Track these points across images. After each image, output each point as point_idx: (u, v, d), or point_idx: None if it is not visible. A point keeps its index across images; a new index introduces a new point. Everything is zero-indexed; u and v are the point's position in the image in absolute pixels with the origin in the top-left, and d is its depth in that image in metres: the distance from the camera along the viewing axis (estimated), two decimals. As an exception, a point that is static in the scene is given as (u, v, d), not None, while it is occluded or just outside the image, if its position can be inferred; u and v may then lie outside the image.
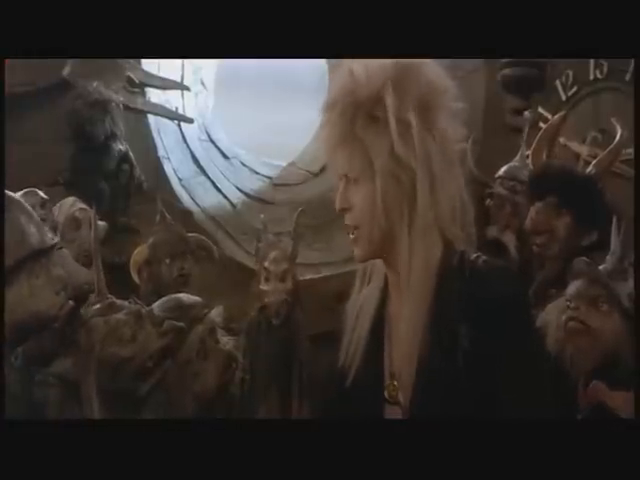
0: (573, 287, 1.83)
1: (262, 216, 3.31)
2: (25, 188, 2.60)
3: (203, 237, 3.17)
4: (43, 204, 2.68)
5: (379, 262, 1.29)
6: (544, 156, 2.89)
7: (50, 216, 2.67)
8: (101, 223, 2.92)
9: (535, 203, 2.34)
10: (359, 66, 1.21)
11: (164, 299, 2.05)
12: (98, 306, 1.89)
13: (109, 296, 1.96)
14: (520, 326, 1.20)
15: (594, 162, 2.64)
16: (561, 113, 3.46)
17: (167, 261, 2.91)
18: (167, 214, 3.09)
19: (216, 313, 2.08)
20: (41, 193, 2.71)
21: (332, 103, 1.21)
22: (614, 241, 1.90)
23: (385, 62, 1.21)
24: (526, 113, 3.71)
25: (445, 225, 1.21)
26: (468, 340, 1.15)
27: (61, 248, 2.31)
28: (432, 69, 1.22)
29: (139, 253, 3.01)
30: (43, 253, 1.76)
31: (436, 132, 1.20)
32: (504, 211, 2.92)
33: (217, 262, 3.05)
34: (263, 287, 3.11)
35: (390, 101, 1.16)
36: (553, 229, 2.30)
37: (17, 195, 1.86)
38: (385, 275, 1.30)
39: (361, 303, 1.31)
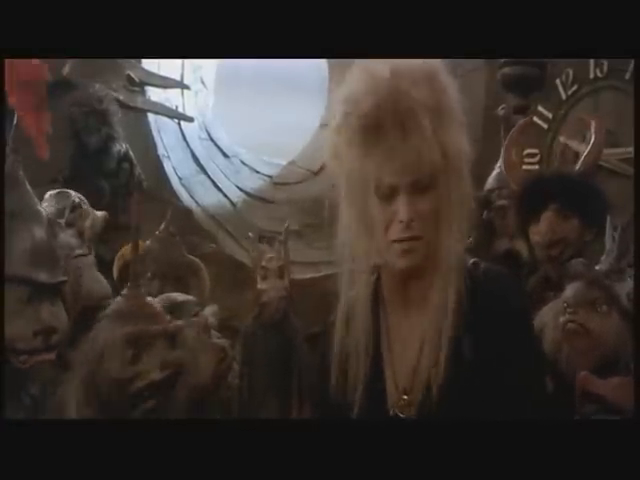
0: (570, 290, 1.82)
1: (251, 234, 3.28)
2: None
3: (200, 264, 3.01)
4: (74, 208, 2.58)
5: (366, 270, 1.26)
6: (514, 157, 2.90)
7: (79, 221, 2.58)
8: (100, 213, 2.87)
9: (543, 213, 2.31)
10: (394, 72, 1.18)
11: (159, 297, 2.04)
12: (123, 302, 1.75)
13: (140, 284, 1.88)
14: (521, 332, 1.20)
15: (580, 161, 2.66)
16: (526, 118, 3.47)
17: (148, 275, 2.82)
18: (171, 228, 3.00)
19: (210, 312, 2.06)
20: (73, 195, 2.61)
21: (375, 111, 1.15)
22: (609, 241, 1.89)
23: (415, 64, 1.20)
24: (500, 110, 3.69)
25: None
26: (470, 347, 1.15)
27: (85, 255, 2.24)
28: (443, 67, 1.23)
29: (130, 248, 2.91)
30: (45, 288, 1.68)
31: (464, 127, 1.21)
32: (508, 220, 2.91)
33: (206, 289, 2.92)
34: (261, 286, 3.10)
35: (448, 100, 1.18)
36: (566, 235, 2.28)
37: (43, 206, 1.79)
38: (375, 284, 1.27)
39: (351, 311, 1.27)
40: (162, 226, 2.94)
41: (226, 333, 2.36)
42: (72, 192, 2.63)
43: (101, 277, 2.34)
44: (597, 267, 1.85)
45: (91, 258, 2.35)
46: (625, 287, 1.77)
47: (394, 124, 1.14)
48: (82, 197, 2.78)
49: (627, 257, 1.82)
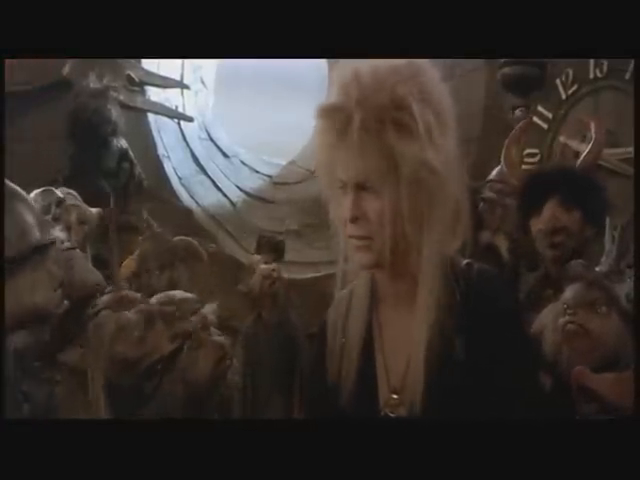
0: (570, 291, 1.82)
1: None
2: (23, 186, 2.57)
3: (189, 239, 3.10)
4: (59, 203, 2.63)
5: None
6: (514, 157, 2.91)
7: (65, 215, 2.63)
8: (95, 210, 2.88)
9: (545, 204, 2.31)
10: (366, 68, 1.17)
11: (158, 296, 2.05)
12: (109, 297, 1.87)
13: (123, 285, 1.97)
14: (515, 334, 1.20)
15: (580, 160, 2.68)
16: (527, 119, 3.49)
17: (157, 272, 2.86)
18: (152, 222, 3.04)
19: (210, 310, 2.07)
20: (57, 192, 2.66)
21: (336, 108, 1.16)
22: (609, 242, 1.89)
23: (395, 64, 1.18)
24: (517, 112, 3.70)
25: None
26: (464, 348, 1.14)
27: (75, 248, 2.31)
28: (430, 69, 1.21)
29: (126, 266, 2.97)
30: (42, 249, 1.74)
31: (449, 133, 1.18)
32: (495, 215, 2.92)
33: (206, 263, 3.00)
34: (254, 277, 3.14)
35: (416, 106, 1.14)
36: (568, 225, 2.28)
37: (19, 188, 1.85)
38: (371, 282, 1.27)
39: (347, 309, 1.27)
40: (144, 225, 2.99)
41: (226, 333, 2.37)
42: (56, 189, 2.66)
43: (92, 267, 2.38)
44: (597, 268, 1.85)
45: (78, 251, 2.39)
46: (624, 288, 1.77)
47: (342, 125, 1.15)
48: (73, 192, 2.80)
49: (627, 258, 1.82)
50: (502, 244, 2.81)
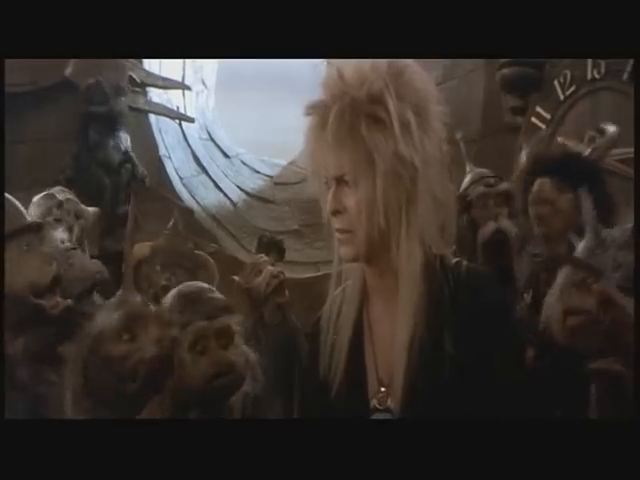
0: (561, 276, 1.83)
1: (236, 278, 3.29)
2: (26, 187, 2.60)
3: (209, 258, 3.06)
4: (59, 205, 2.66)
5: (355, 264, 1.27)
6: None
7: (66, 217, 2.65)
8: (92, 209, 2.89)
9: (538, 179, 2.35)
10: (349, 67, 1.20)
11: (189, 283, 1.99)
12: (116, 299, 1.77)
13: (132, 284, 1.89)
14: (504, 328, 1.21)
15: (591, 148, 2.67)
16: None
17: (157, 268, 2.85)
18: (180, 226, 3.02)
19: (235, 320, 2.00)
20: (58, 196, 2.68)
21: (322, 104, 1.19)
22: (587, 217, 1.88)
23: (377, 63, 1.20)
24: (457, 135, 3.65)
25: (426, 227, 1.21)
26: (453, 345, 1.15)
27: (75, 249, 2.33)
28: (418, 70, 1.23)
29: (140, 248, 2.94)
30: (34, 227, 1.82)
31: (431, 133, 1.20)
32: (489, 205, 2.94)
33: (215, 282, 2.95)
34: (261, 277, 3.14)
35: (391, 101, 1.16)
36: (555, 201, 2.29)
37: (31, 209, 1.92)
38: (363, 277, 1.28)
39: (339, 307, 1.28)
40: (170, 223, 2.95)
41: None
42: (57, 193, 2.69)
43: (91, 260, 2.41)
44: (581, 244, 1.85)
45: (78, 251, 2.42)
46: (609, 257, 1.76)
47: (322, 121, 1.18)
48: (71, 196, 2.81)
49: (602, 231, 1.83)
50: (508, 225, 2.81)
